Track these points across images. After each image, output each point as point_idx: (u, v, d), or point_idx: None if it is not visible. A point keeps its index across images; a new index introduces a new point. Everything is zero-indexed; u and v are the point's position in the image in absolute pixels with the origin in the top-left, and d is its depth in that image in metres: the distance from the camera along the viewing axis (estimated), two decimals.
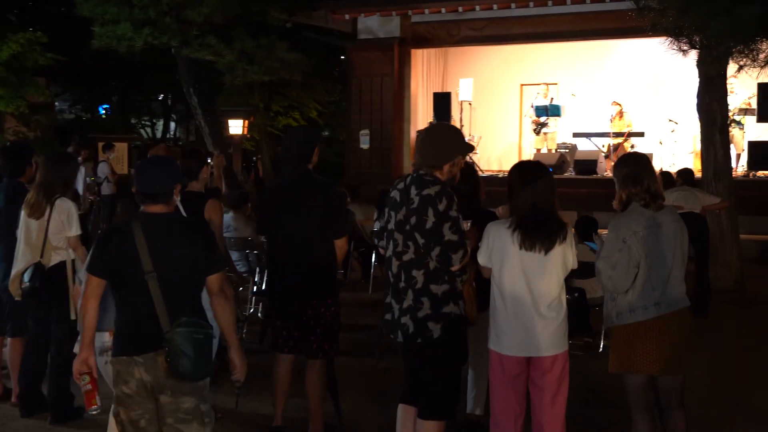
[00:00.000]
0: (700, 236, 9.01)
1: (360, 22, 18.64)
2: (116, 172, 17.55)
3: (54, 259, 5.95)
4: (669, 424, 4.80)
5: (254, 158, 23.00)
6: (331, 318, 5.50)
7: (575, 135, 17.95)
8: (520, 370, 4.57)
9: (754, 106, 15.57)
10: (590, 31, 16.61)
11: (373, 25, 18.52)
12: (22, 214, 6.01)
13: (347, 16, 18.47)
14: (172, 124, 35.77)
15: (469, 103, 18.04)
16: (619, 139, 17.28)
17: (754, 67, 8.74)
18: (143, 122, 34.17)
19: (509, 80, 19.53)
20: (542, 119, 17.94)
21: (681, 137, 16.80)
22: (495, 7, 16.93)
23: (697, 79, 11.12)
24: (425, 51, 18.93)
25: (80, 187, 14.07)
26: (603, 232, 8.95)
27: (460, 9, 17.36)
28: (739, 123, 15.75)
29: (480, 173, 7.93)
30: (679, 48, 9.19)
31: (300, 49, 17.95)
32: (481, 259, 4.60)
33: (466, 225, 4.62)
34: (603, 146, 17.51)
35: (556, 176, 9.12)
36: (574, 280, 7.65)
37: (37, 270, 5.86)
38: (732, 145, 13.53)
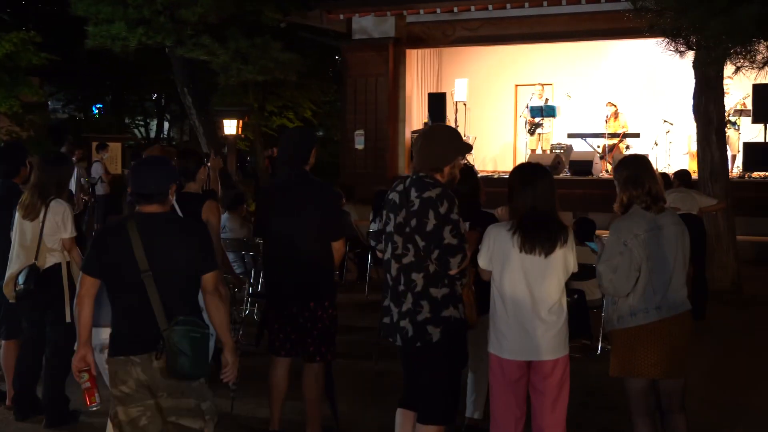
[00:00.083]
0: (697, 238, 8.94)
1: (355, 22, 18.60)
2: (110, 172, 17.47)
3: (49, 261, 5.90)
4: (670, 428, 4.78)
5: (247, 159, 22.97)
6: (329, 321, 5.45)
7: (570, 136, 17.93)
8: (521, 374, 4.54)
9: (749, 106, 15.57)
10: (585, 32, 16.60)
11: (367, 25, 18.48)
12: (17, 215, 5.95)
13: (342, 16, 18.44)
14: (166, 124, 35.69)
15: (464, 104, 18.00)
16: (614, 140, 17.26)
17: (753, 68, 8.71)
18: (137, 122, 34.08)
19: (504, 81, 19.49)
20: (537, 120, 17.92)
21: (676, 138, 16.78)
22: (490, 7, 16.90)
23: (693, 80, 11.11)
24: (420, 51, 18.90)
25: (74, 187, 13.99)
26: (601, 233, 8.98)
27: (455, 9, 17.33)
28: (734, 124, 15.73)
29: None
30: (677, 49, 9.16)
31: (295, 49, 17.93)
32: (482, 261, 4.55)
33: (464, 227, 4.59)
34: (598, 147, 17.49)
35: None
36: (572, 282, 7.62)
37: (32, 272, 5.81)
38: (727, 147, 13.50)
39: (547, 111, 17.70)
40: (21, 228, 5.91)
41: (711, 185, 10.93)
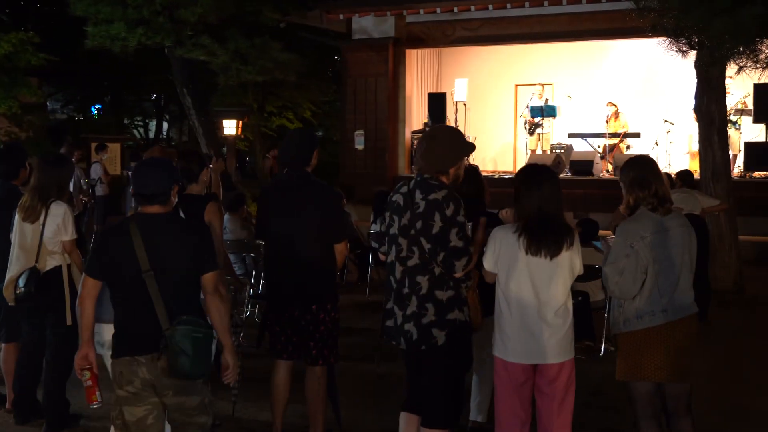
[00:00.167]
0: (699, 239, 8.90)
1: (354, 22, 18.56)
2: (109, 173, 17.44)
3: (49, 263, 5.84)
4: (676, 431, 4.74)
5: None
6: (331, 324, 5.40)
7: (571, 136, 17.91)
8: (526, 378, 4.50)
9: (750, 106, 15.55)
10: (586, 32, 16.57)
11: (367, 25, 18.44)
12: (16, 217, 5.90)
13: (342, 16, 18.40)
14: (165, 125, 35.65)
15: (464, 104, 17.96)
16: (615, 140, 17.25)
17: (756, 68, 8.68)
18: (136, 122, 34.05)
19: (504, 81, 19.47)
20: (537, 120, 17.89)
21: (676, 138, 16.76)
22: (490, 7, 16.86)
23: (693, 80, 11.08)
24: (420, 51, 18.87)
25: (73, 188, 13.95)
26: (603, 233, 8.95)
27: (455, 9, 17.29)
28: (735, 124, 15.70)
29: None
30: (679, 49, 9.13)
31: (294, 50, 17.91)
32: (487, 264, 4.51)
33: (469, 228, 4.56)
34: (598, 147, 17.48)
35: None
36: (575, 283, 7.58)
37: (33, 275, 5.76)
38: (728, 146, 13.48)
39: (548, 111, 17.68)
40: (21, 230, 5.86)
41: (713, 185, 10.91)
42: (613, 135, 17.21)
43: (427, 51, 19.11)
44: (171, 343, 3.87)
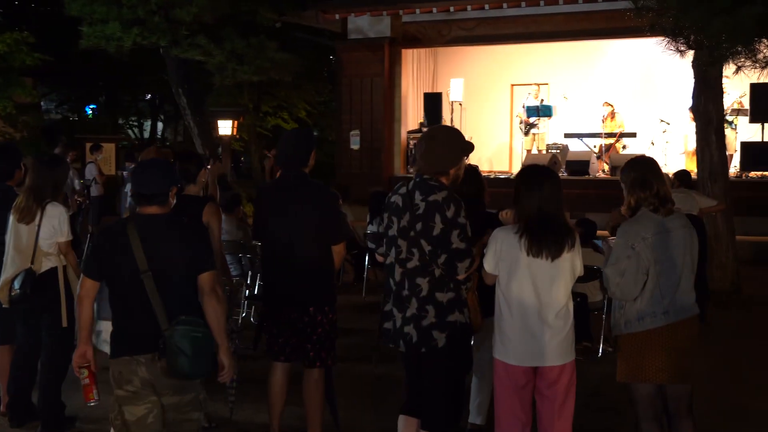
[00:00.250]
0: (698, 239, 8.93)
1: (350, 21, 18.53)
2: (104, 173, 17.39)
3: (45, 265, 5.79)
4: None
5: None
6: (329, 326, 5.35)
7: (567, 135, 17.90)
8: (527, 380, 4.46)
9: (746, 106, 15.55)
10: (582, 31, 16.55)
11: (363, 24, 18.41)
12: (11, 219, 5.85)
13: (337, 16, 18.35)
14: (160, 125, 35.57)
15: (460, 104, 17.96)
16: (611, 140, 17.24)
17: (755, 68, 8.65)
18: (131, 122, 33.96)
19: (500, 80, 19.45)
20: (532, 120, 17.88)
21: (672, 137, 16.75)
22: (486, 7, 16.83)
23: (690, 80, 11.06)
24: (416, 51, 18.84)
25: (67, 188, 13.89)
26: (600, 233, 8.93)
27: (452, 9, 17.26)
28: (731, 123, 15.69)
29: None
30: (677, 48, 9.10)
31: (290, 49, 17.85)
32: (488, 265, 4.47)
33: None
34: (595, 147, 17.46)
35: None
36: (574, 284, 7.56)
37: (28, 276, 5.71)
38: None
39: (544, 111, 17.67)
40: (16, 231, 5.80)
41: (710, 185, 10.88)
42: (609, 135, 17.21)
43: (423, 51, 19.09)
44: (170, 343, 3.89)
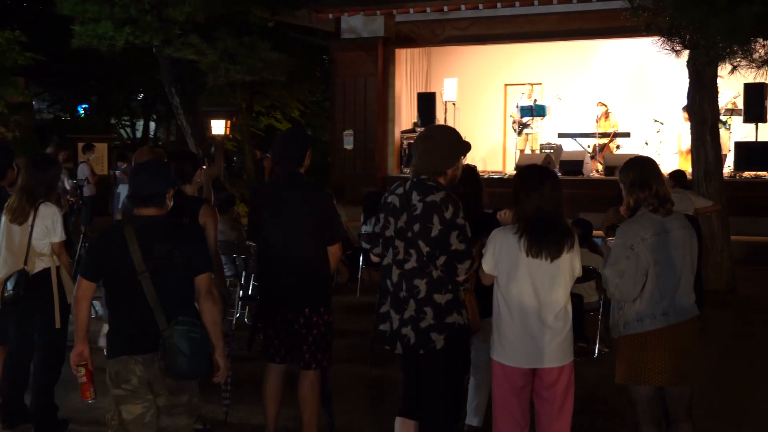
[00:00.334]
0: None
1: (343, 21, 18.48)
2: (96, 173, 17.32)
3: (38, 266, 5.73)
4: None
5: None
6: (324, 327, 5.31)
7: (560, 135, 17.88)
8: (526, 382, 4.43)
9: (740, 105, 15.55)
10: (576, 31, 16.53)
11: (356, 24, 18.36)
12: (3, 219, 5.79)
13: (331, 15, 18.30)
14: (152, 124, 35.45)
15: (454, 103, 17.92)
16: (605, 140, 17.23)
17: (751, 67, 8.64)
18: (123, 122, 33.83)
19: (494, 80, 19.41)
20: (525, 120, 17.86)
21: (666, 137, 16.75)
22: (480, 6, 16.80)
23: (683, 80, 11.05)
24: (409, 51, 18.79)
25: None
26: (596, 233, 8.91)
27: (445, 8, 17.23)
28: (725, 123, 15.68)
29: None
30: (672, 48, 9.08)
31: (283, 49, 17.80)
32: (487, 266, 4.43)
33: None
34: (588, 147, 17.45)
35: None
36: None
37: (21, 277, 5.65)
38: None
39: (537, 110, 17.64)
40: (9, 232, 5.74)
41: (705, 185, 10.88)
42: (603, 135, 17.19)
43: (416, 50, 19.05)
44: (169, 343, 3.92)
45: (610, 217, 9.36)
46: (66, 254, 5.88)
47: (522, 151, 17.94)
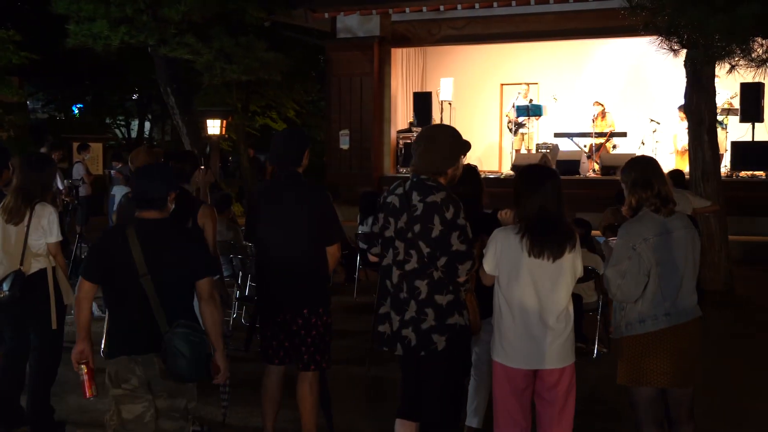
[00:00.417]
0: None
1: (339, 21, 18.44)
2: (91, 173, 17.26)
3: (34, 266, 5.69)
4: None
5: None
6: (323, 328, 5.27)
7: (557, 135, 17.87)
8: (527, 384, 4.40)
9: (736, 105, 15.55)
10: (572, 31, 16.51)
11: (352, 24, 18.33)
12: None
13: (326, 15, 18.26)
14: (148, 124, 35.38)
15: (450, 103, 17.90)
16: (601, 140, 17.22)
17: (750, 66, 8.61)
18: (118, 122, 33.75)
19: (490, 80, 19.41)
20: (521, 119, 17.84)
21: (663, 137, 16.74)
22: (476, 6, 16.77)
23: (680, 79, 11.04)
24: (405, 50, 18.76)
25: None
26: (595, 233, 8.89)
27: (442, 8, 17.19)
28: (721, 123, 15.68)
29: None
30: (670, 47, 9.05)
31: (278, 49, 17.74)
32: (488, 266, 4.40)
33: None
34: (585, 146, 17.44)
35: None
36: None
37: (18, 278, 5.60)
38: None
39: (534, 110, 17.63)
40: (4, 232, 5.70)
41: (702, 185, 10.87)
42: (600, 134, 17.19)
43: (412, 50, 19.01)
44: (170, 345, 3.94)
45: (607, 216, 9.36)
46: (62, 255, 5.84)
47: (518, 150, 17.93)
